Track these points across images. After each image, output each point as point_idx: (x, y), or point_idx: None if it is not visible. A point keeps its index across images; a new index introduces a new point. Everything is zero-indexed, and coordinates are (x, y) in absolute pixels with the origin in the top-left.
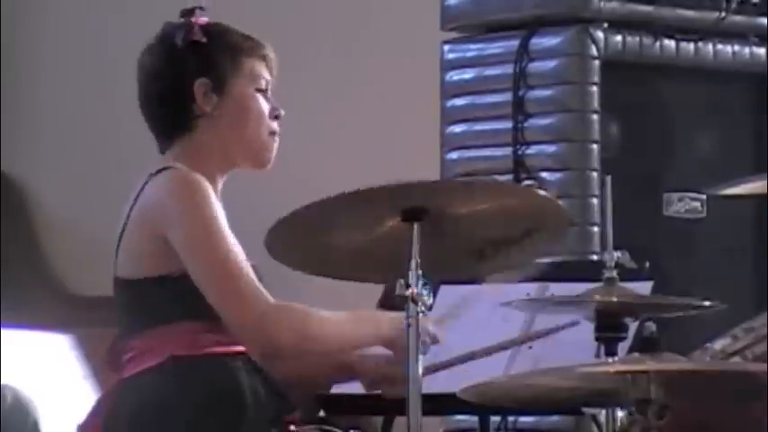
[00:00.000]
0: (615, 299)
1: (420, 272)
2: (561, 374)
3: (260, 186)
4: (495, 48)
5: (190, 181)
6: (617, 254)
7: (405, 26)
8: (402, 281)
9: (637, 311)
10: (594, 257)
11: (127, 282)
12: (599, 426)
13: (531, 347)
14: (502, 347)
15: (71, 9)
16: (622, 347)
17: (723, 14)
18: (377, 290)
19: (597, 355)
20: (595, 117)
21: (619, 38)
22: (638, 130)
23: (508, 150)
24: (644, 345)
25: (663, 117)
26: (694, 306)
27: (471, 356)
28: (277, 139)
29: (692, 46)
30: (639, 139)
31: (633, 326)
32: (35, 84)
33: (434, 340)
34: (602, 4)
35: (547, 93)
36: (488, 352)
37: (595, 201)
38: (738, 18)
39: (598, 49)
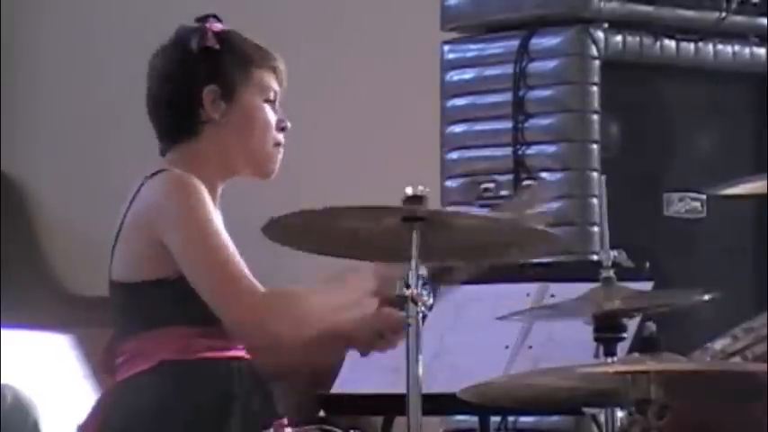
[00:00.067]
0: (609, 301)
1: (420, 272)
2: (561, 374)
3: (260, 186)
4: (496, 48)
5: (185, 183)
6: (614, 253)
7: (405, 26)
8: (402, 281)
9: (635, 311)
10: (594, 257)
11: (122, 285)
12: (599, 426)
13: (531, 347)
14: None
15: (70, 9)
16: (622, 347)
17: (723, 14)
18: None
19: (596, 356)
20: (595, 117)
21: (619, 38)
22: (638, 130)
23: (508, 150)
24: (644, 345)
25: (663, 117)
26: (692, 300)
27: None
28: (282, 150)
29: (692, 46)
30: (639, 139)
31: (632, 326)
32: (34, 84)
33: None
34: (602, 4)
35: (547, 93)
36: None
37: (595, 201)
38: (738, 18)
39: (598, 49)
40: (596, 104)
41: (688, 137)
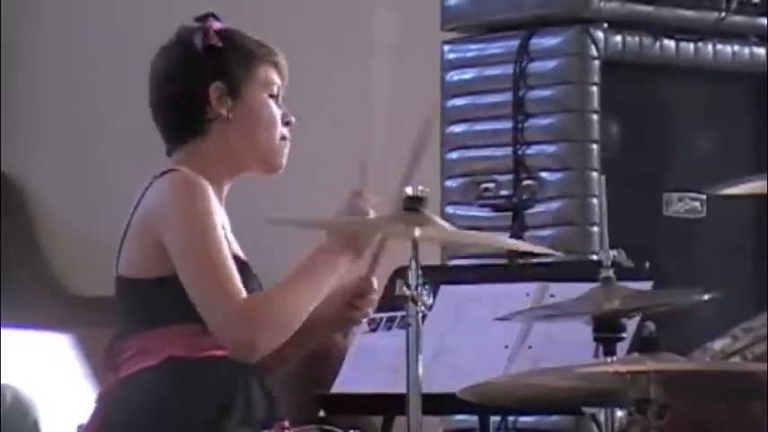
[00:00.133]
0: (609, 301)
1: (420, 272)
2: (561, 374)
3: (259, 185)
4: (496, 48)
5: (190, 184)
6: (613, 252)
7: (405, 26)
8: (402, 281)
9: (634, 311)
10: (594, 257)
11: (128, 281)
12: (599, 425)
13: (530, 347)
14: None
15: (70, 9)
16: (621, 347)
17: (723, 14)
18: None
19: (596, 355)
20: (595, 117)
21: (619, 38)
22: (638, 130)
23: (508, 150)
24: (643, 345)
25: (663, 117)
26: (691, 300)
27: None
28: (288, 144)
29: (692, 46)
30: (639, 139)
31: (632, 326)
32: (34, 84)
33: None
34: (602, 4)
35: (547, 93)
36: None
37: (595, 201)
38: (738, 18)
39: (598, 49)
40: (596, 104)
41: (688, 137)
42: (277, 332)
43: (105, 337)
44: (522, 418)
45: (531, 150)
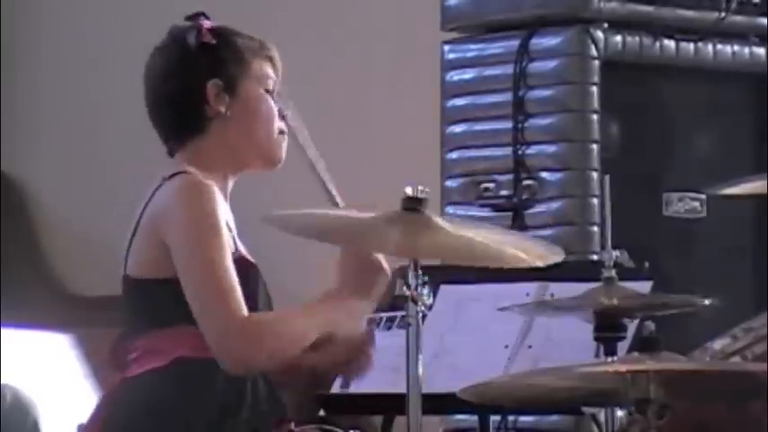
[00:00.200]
0: (610, 300)
1: (420, 272)
2: (561, 374)
3: (259, 185)
4: (496, 48)
5: (198, 189)
6: (615, 253)
7: (405, 26)
8: (402, 280)
9: (635, 311)
10: (594, 257)
11: (135, 281)
12: (599, 425)
13: (530, 347)
14: None
15: (70, 9)
16: (621, 347)
17: (723, 14)
18: None
19: (597, 355)
20: (595, 117)
21: (619, 38)
22: (638, 130)
23: (508, 150)
24: (643, 344)
25: (663, 117)
26: (692, 303)
27: None
28: (286, 137)
29: (691, 46)
30: (639, 139)
31: (632, 326)
32: (34, 84)
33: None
34: (602, 4)
35: (547, 93)
36: None
37: (595, 201)
38: (738, 18)
39: (598, 49)
40: (596, 104)
41: (688, 137)
42: (271, 356)
43: (105, 337)
44: (522, 418)
45: (532, 150)
